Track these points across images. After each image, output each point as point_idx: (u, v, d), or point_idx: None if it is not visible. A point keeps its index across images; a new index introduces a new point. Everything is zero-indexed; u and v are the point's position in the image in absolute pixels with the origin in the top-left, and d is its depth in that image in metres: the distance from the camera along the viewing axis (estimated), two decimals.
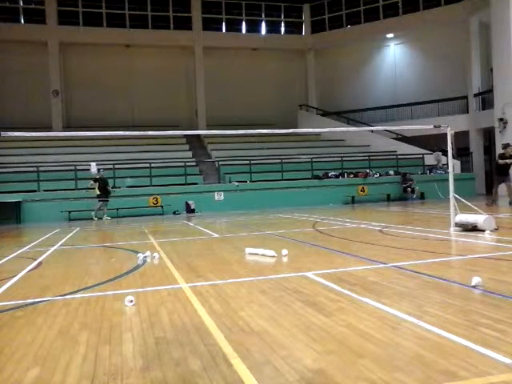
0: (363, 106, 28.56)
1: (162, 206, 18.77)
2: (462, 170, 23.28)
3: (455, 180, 8.94)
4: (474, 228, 8.19)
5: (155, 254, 6.95)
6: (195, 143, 25.41)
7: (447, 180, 8.83)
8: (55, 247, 9.04)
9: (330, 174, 21.63)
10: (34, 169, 19.06)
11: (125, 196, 18.70)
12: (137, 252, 7.41)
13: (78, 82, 27.02)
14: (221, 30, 29.40)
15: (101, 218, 16.98)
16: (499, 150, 15.67)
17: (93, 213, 16.99)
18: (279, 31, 30.57)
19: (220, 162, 22.03)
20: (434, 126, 8.89)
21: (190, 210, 18.83)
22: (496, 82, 21.67)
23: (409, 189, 21.17)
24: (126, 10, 27.33)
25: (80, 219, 17.15)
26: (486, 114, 23.33)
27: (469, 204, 8.64)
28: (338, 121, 28.26)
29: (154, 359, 2.84)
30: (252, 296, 4.29)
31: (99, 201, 17.01)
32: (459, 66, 25.41)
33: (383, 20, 28.01)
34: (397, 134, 25.61)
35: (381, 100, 28.30)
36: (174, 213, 18.60)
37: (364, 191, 21.32)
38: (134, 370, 2.68)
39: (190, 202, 19.01)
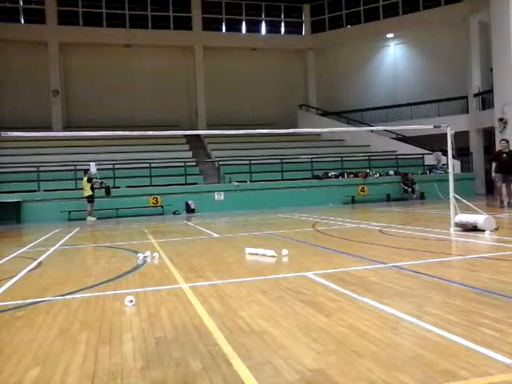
0: (363, 106, 28.53)
1: (162, 206, 18.77)
2: (462, 170, 23.27)
3: (455, 180, 8.93)
4: (474, 228, 8.18)
5: (155, 254, 6.95)
6: (195, 143, 25.40)
7: (447, 180, 8.82)
8: (55, 247, 9.04)
9: (330, 174, 21.63)
10: (34, 169, 19.06)
11: (125, 196, 18.71)
12: (137, 252, 7.41)
13: (77, 82, 27.02)
14: (221, 30, 29.40)
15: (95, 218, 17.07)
16: None
17: (88, 217, 16.99)
18: (279, 31, 30.56)
19: (220, 162, 22.03)
20: (434, 126, 8.89)
21: (190, 210, 18.83)
22: (496, 82, 21.66)
23: (409, 189, 21.18)
24: (126, 10, 27.33)
25: (80, 219, 17.15)
26: (485, 114, 23.32)
27: (469, 204, 8.65)
28: (338, 121, 28.24)
29: (154, 359, 2.84)
30: (252, 296, 4.29)
31: (90, 201, 17.05)
32: (459, 66, 25.39)
33: (383, 20, 28.00)
34: (397, 134, 25.61)
35: (381, 100, 28.27)
36: (174, 213, 18.60)
37: (364, 191, 21.32)
38: (134, 370, 2.68)
39: (190, 202, 19.01)
